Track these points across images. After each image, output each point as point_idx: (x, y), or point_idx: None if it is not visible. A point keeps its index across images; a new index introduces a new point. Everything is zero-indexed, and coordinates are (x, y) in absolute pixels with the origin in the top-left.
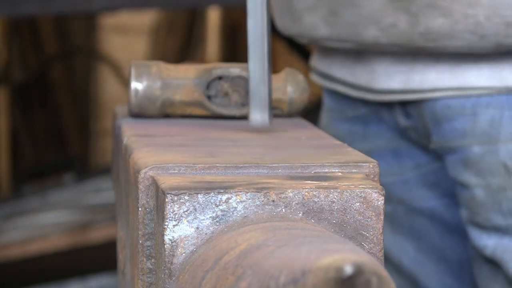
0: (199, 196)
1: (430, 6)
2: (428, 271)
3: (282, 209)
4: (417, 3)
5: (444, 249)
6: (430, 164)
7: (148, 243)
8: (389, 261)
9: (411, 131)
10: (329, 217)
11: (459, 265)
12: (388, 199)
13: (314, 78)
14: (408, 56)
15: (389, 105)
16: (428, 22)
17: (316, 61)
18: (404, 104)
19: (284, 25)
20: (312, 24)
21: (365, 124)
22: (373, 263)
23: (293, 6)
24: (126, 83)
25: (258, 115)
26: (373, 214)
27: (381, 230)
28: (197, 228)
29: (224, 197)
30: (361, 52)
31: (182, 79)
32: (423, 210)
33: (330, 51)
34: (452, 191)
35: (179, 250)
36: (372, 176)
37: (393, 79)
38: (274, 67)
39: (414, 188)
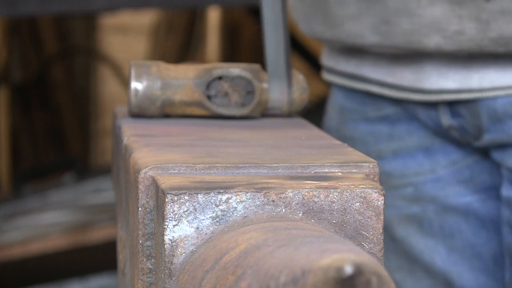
0: (199, 196)
1: (502, 13)
2: (462, 269)
3: (282, 209)
4: (488, 11)
5: (478, 245)
6: (465, 159)
7: (148, 243)
8: (420, 263)
9: (454, 130)
10: (329, 217)
11: (494, 261)
12: (417, 199)
13: (328, 77)
14: (464, 56)
15: (429, 104)
16: (500, 29)
17: (332, 60)
18: (452, 103)
19: (314, 29)
20: (356, 32)
21: (392, 123)
22: (373, 263)
23: (332, 13)
24: (126, 83)
25: (276, 90)
26: (373, 214)
27: (381, 230)
28: (197, 228)
29: (224, 197)
30: (401, 53)
31: (182, 79)
32: (457, 207)
33: (358, 51)
34: (486, 185)
35: (179, 250)
36: (372, 176)
37: (447, 78)
38: None
39: (447, 185)
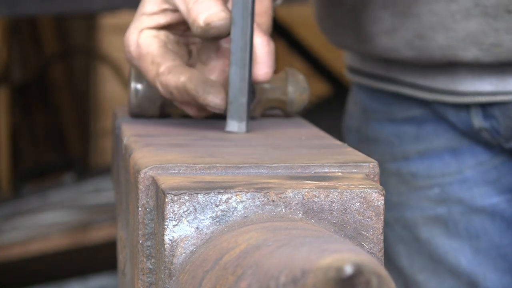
0: (199, 196)
1: None
2: (487, 270)
3: (282, 209)
4: None
5: (504, 246)
6: (492, 160)
7: (148, 243)
8: (444, 264)
9: (485, 131)
10: (329, 217)
11: None
12: (443, 200)
13: (353, 77)
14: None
15: (460, 105)
16: None
17: (358, 61)
18: (485, 105)
19: (344, 42)
20: (390, 47)
21: (419, 124)
22: (373, 263)
23: (364, 28)
24: (126, 83)
25: (235, 124)
26: (373, 214)
27: (381, 230)
28: (197, 228)
29: (224, 197)
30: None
31: None
32: (484, 208)
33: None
34: None
35: (179, 250)
36: (372, 176)
37: (483, 81)
38: (274, 67)
39: (474, 186)
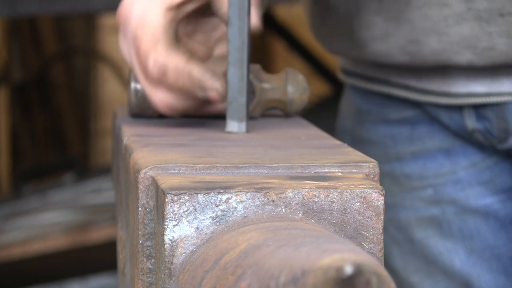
0: (199, 196)
1: None
2: (480, 271)
3: (282, 209)
4: None
5: (497, 246)
6: (485, 160)
7: (148, 243)
8: (438, 265)
9: (478, 132)
10: (329, 217)
11: None
12: (437, 201)
13: (346, 78)
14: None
15: (453, 107)
16: None
17: (351, 63)
18: (478, 106)
19: (337, 49)
20: (383, 52)
21: (412, 126)
22: (373, 263)
23: (357, 34)
24: (126, 83)
25: (235, 124)
26: (373, 214)
27: (381, 230)
28: (197, 228)
29: (224, 197)
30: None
31: None
32: (477, 208)
33: None
34: (506, 186)
35: (179, 250)
36: (372, 176)
37: (476, 82)
38: (274, 67)
39: (468, 186)
